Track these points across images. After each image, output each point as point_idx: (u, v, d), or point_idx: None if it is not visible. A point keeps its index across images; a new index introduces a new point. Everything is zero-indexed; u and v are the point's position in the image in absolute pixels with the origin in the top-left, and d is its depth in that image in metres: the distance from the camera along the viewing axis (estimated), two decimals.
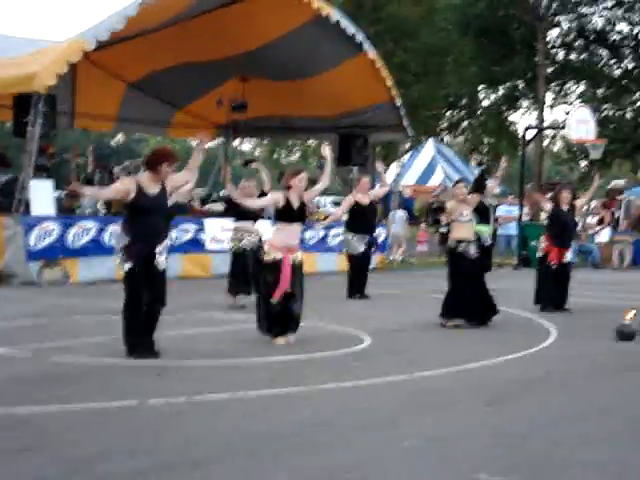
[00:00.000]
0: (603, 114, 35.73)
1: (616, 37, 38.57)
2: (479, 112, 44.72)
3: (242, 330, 9.58)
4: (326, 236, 18.44)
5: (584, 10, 38.18)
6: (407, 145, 34.18)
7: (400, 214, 23.30)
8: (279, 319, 8.87)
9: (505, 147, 42.54)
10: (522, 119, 76.52)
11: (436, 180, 33.46)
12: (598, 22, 38.48)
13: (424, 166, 34.22)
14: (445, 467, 4.92)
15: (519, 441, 5.45)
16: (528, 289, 12.72)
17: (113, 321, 10.14)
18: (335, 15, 17.45)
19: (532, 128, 29.08)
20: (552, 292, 12.37)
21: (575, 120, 23.83)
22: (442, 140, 43.51)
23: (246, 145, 57.07)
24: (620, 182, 37.95)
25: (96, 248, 14.99)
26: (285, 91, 19.58)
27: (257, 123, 21.60)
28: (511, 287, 14.94)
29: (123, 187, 7.85)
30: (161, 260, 7.79)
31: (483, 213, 14.07)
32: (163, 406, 6.07)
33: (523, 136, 26.70)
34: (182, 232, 16.28)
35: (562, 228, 12.45)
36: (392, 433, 5.56)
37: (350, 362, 7.98)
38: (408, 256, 22.80)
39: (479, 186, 10.93)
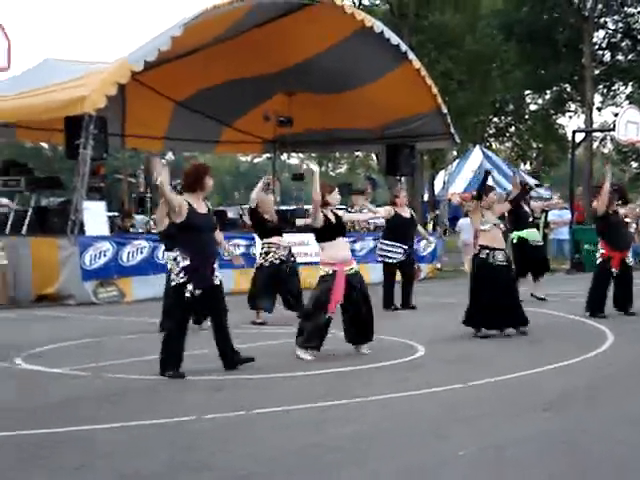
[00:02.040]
0: None
1: None
2: (526, 117, 44.42)
3: (291, 344, 9.62)
4: (376, 247, 18.43)
5: (630, 10, 37.75)
6: (454, 152, 34.04)
7: (469, 222, 23.49)
8: (324, 333, 8.84)
9: (553, 151, 42.22)
10: (570, 122, 75.76)
11: None
12: None
13: (472, 173, 34.04)
14: (502, 475, 4.91)
15: (576, 447, 5.41)
16: (582, 294, 12.57)
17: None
18: (379, 26, 17.49)
19: (581, 131, 28.87)
20: (615, 294, 12.06)
21: (624, 121, 23.56)
22: (489, 146, 43.29)
23: (294, 159, 57.39)
24: None
25: (150, 266, 15.17)
26: (331, 104, 19.65)
27: (304, 136, 21.69)
28: (565, 292, 14.79)
29: (181, 202, 7.80)
30: (219, 275, 7.92)
31: (522, 218, 13.98)
32: (221, 420, 6.13)
33: (572, 139, 26.49)
34: (233, 247, 16.38)
35: (616, 231, 12.12)
36: (447, 442, 5.56)
37: (404, 372, 7.98)
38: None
39: (480, 193, 10.46)
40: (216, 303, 7.95)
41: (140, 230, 17.67)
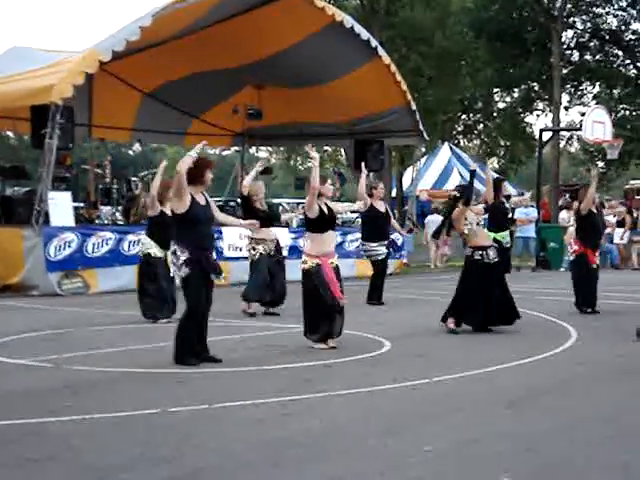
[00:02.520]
0: (619, 114, 35.58)
1: (631, 37, 38.42)
2: (494, 115, 44.65)
3: (259, 337, 9.61)
4: (343, 242, 18.48)
5: (598, 10, 38.05)
6: (423, 149, 34.16)
7: (437, 218, 23.86)
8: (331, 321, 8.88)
9: (521, 149, 42.50)
10: (538, 121, 76.26)
11: (452, 184, 33.41)
12: (613, 22, 38.37)
13: (440, 170, 34.24)
14: (467, 471, 4.92)
15: (540, 444, 5.43)
16: (547, 291, 12.68)
17: (132, 330, 10.25)
18: (349, 21, 17.48)
19: (548, 130, 29.05)
20: (587, 293, 12.37)
21: (591, 121, 23.79)
22: (458, 144, 43.49)
23: (262, 153, 57.22)
24: (637, 182, 37.82)
25: (115, 258, 15.07)
26: (300, 98, 19.63)
27: (273, 130, 21.67)
28: (530, 289, 14.89)
29: (187, 192, 7.89)
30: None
31: (501, 218, 14.01)
32: (184, 414, 6.09)
33: (539, 138, 26.68)
34: None
35: (594, 230, 12.44)
36: (412, 438, 5.56)
37: (369, 367, 7.98)
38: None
39: (469, 197, 10.48)
40: (206, 293, 8.08)
41: (106, 221, 17.55)
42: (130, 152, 59.73)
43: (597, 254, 12.59)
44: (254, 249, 11.77)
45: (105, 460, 5.03)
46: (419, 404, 6.53)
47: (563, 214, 23.93)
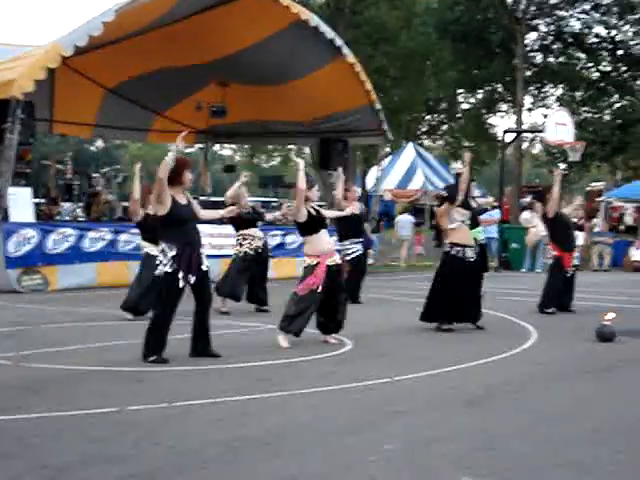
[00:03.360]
0: (582, 117, 35.94)
1: (593, 40, 38.82)
2: (458, 116, 44.92)
3: (221, 336, 9.55)
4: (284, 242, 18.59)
5: (561, 13, 38.39)
6: (387, 149, 34.25)
7: (407, 218, 24.25)
8: (305, 322, 9.03)
9: (485, 150, 42.78)
10: (501, 122, 76.87)
11: (416, 184, 33.56)
12: (575, 25, 38.75)
13: (404, 170, 34.32)
14: (427, 470, 4.92)
15: (500, 443, 5.46)
16: (508, 292, 12.77)
17: (92, 328, 10.16)
18: (314, 20, 17.47)
19: (511, 131, 29.29)
20: (561, 295, 12.55)
21: (554, 123, 24.01)
22: (422, 144, 43.66)
23: (226, 150, 57.02)
24: (599, 184, 38.24)
25: (76, 255, 14.93)
26: (265, 96, 19.59)
27: (237, 128, 21.61)
28: (491, 289, 14.96)
29: (167, 195, 7.91)
30: (206, 262, 8.16)
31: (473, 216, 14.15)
32: (143, 412, 6.04)
33: (502, 139, 26.88)
34: None
35: (566, 232, 12.60)
36: (373, 437, 5.55)
37: (331, 366, 7.97)
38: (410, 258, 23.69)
39: (453, 195, 10.68)
40: (203, 289, 8.13)
41: (67, 218, 17.38)
42: (92, 148, 59.31)
43: (574, 255, 12.76)
44: (241, 245, 11.88)
45: (62, 458, 4.97)
46: (380, 403, 6.53)
47: (525, 215, 24.13)
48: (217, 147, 33.05)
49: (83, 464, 4.88)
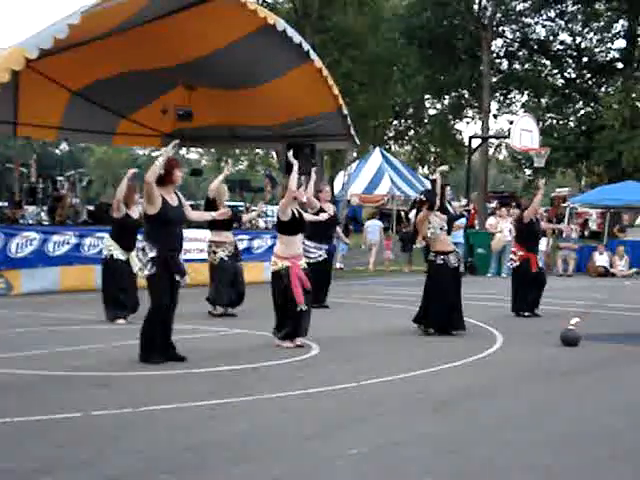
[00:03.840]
0: (546, 123, 36.25)
1: (558, 47, 39.20)
2: (425, 121, 45.14)
3: (187, 341, 9.50)
4: (274, 245, 18.47)
5: (527, 20, 38.73)
6: (354, 154, 34.33)
7: (376, 223, 24.41)
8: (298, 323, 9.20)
9: (451, 156, 43.03)
10: (468, 128, 77.38)
11: (383, 189, 33.69)
12: (541, 32, 39.11)
13: (371, 175, 34.43)
14: (391, 474, 4.92)
15: (464, 447, 5.47)
16: (474, 296, 12.82)
17: (55, 333, 10.04)
18: (281, 24, 17.44)
19: (477, 137, 29.42)
20: (529, 297, 12.83)
21: (519, 129, 24.18)
22: (389, 149, 43.81)
23: (193, 154, 56.78)
24: (564, 190, 38.58)
25: (39, 259, 14.77)
26: (232, 100, 19.53)
27: (203, 132, 21.50)
28: None
29: (158, 195, 7.97)
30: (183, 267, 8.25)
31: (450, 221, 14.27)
32: (108, 417, 5.98)
33: (469, 145, 27.00)
34: None
35: (532, 236, 13.01)
36: (338, 441, 5.55)
37: (297, 371, 7.95)
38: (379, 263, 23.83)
39: (432, 201, 10.82)
40: (176, 294, 8.20)
41: (30, 221, 17.18)
42: (57, 151, 58.76)
43: (538, 258, 13.20)
44: (215, 253, 11.93)
45: (24, 465, 4.91)
46: (346, 407, 6.52)
47: (491, 220, 24.27)
48: (183, 151, 32.83)
49: (47, 470, 4.82)
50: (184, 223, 8.49)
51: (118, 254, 11.17)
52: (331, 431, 5.81)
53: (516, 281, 12.97)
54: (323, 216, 11.49)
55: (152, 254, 7.93)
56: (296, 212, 9.45)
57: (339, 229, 14.60)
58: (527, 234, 12.98)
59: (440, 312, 10.58)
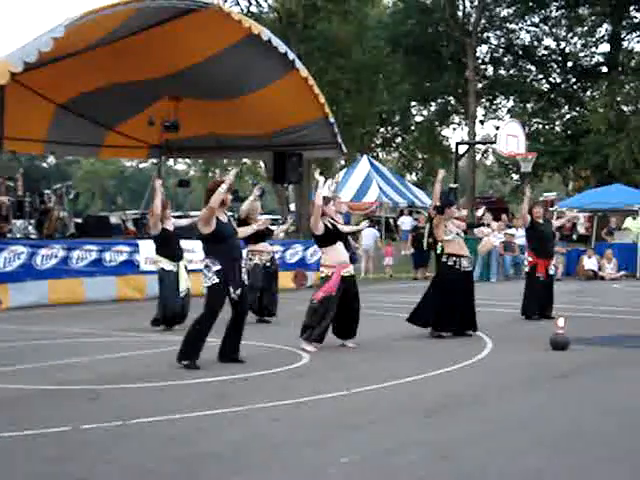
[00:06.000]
0: (532, 128, 36.37)
1: (543, 52, 39.36)
2: (412, 128, 45.22)
3: (176, 352, 9.47)
4: (284, 254, 18.64)
5: (512, 26, 38.89)
6: (342, 162, 34.34)
7: (371, 230, 24.48)
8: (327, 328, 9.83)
9: (439, 162, 43.09)
10: (454, 134, 77.59)
11: (372, 196, 33.66)
12: (525, 38, 39.27)
13: (359, 183, 34.41)
14: None
15: (457, 452, 5.46)
16: None
17: (44, 347, 9.99)
18: (266, 33, 17.46)
19: (464, 143, 29.47)
20: (540, 302, 13.04)
21: (505, 134, 24.23)
22: (376, 156, 43.86)
23: (180, 165, 56.72)
24: (551, 194, 38.68)
25: (27, 273, 14.70)
26: (218, 110, 19.53)
27: (191, 142, 21.50)
28: None
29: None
30: (245, 275, 8.74)
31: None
32: (97, 431, 5.95)
33: (455, 151, 27.04)
34: (116, 254, 16.07)
35: (540, 241, 13.19)
36: (330, 450, 5.53)
37: (288, 380, 7.94)
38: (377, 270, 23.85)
39: (443, 207, 11.22)
40: (242, 300, 8.64)
41: (18, 235, 17.11)
42: (44, 165, 58.67)
43: (552, 263, 13.38)
44: (250, 260, 12.22)
45: (15, 479, 4.87)
46: (338, 415, 6.51)
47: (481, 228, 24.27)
48: (171, 162, 32.87)
49: None
50: (237, 236, 8.95)
51: (166, 265, 11.63)
52: (323, 439, 5.79)
53: (526, 286, 13.30)
54: (363, 224, 12.00)
55: (216, 267, 8.38)
56: (329, 224, 9.90)
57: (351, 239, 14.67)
58: (534, 238, 13.25)
59: (451, 314, 10.83)
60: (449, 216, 11.15)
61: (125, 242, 16.82)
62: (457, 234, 11.10)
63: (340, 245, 9.98)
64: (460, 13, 37.28)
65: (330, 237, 9.89)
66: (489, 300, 14.94)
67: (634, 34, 37.02)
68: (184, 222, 12.40)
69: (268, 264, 12.54)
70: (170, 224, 11.71)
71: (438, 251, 11.68)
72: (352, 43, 32.91)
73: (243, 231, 9.70)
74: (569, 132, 36.31)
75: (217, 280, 8.37)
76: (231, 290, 8.43)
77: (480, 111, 40.02)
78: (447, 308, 10.85)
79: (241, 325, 8.74)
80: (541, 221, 13.29)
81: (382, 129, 45.97)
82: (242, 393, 7.30)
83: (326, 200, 10.02)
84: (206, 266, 8.48)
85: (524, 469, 5.13)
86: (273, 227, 13.45)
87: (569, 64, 38.67)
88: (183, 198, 45.88)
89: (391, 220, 35.20)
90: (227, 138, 21.13)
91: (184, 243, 12.22)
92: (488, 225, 13.77)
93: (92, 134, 21.11)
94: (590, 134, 32.98)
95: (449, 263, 10.99)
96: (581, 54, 38.60)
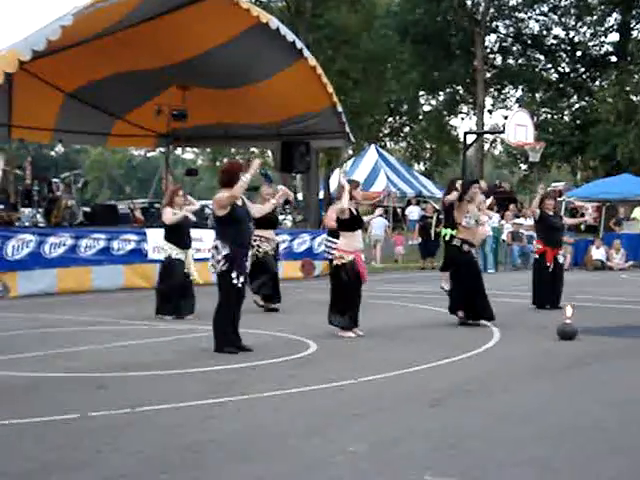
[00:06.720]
0: (541, 117, 36.27)
1: (552, 41, 39.21)
2: (420, 117, 45.11)
3: (184, 340, 9.51)
4: (291, 243, 18.66)
5: (520, 15, 38.75)
6: (349, 151, 34.30)
7: (381, 220, 24.53)
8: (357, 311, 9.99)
9: (446, 152, 43.02)
10: (462, 124, 77.30)
11: (380, 186, 33.66)
12: (534, 27, 39.14)
13: (367, 172, 34.39)
14: (390, 470, 4.92)
15: (463, 442, 5.47)
16: None
17: (51, 335, 10.03)
18: (274, 22, 17.43)
19: (472, 133, 29.42)
20: (548, 291, 13.12)
21: (514, 124, 24.16)
22: (384, 146, 43.79)
23: (188, 154, 56.72)
24: (559, 184, 38.59)
25: (36, 261, 14.74)
26: (226, 99, 19.51)
27: (198, 131, 21.49)
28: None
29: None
30: (248, 263, 8.88)
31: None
32: (105, 419, 5.97)
33: (464, 141, 26.99)
34: (124, 242, 16.10)
35: (549, 231, 13.24)
36: (337, 438, 5.54)
37: (295, 369, 7.95)
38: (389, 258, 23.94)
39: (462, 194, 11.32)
40: (242, 288, 8.71)
41: (26, 223, 17.15)
42: (52, 153, 58.72)
43: (560, 252, 13.46)
44: (259, 247, 12.23)
45: (22, 465, 4.90)
46: (345, 404, 6.52)
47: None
48: (179, 151, 32.91)
49: (44, 471, 4.81)
50: (251, 221, 9.05)
51: (176, 253, 11.66)
52: (329, 428, 5.80)
53: (535, 275, 13.35)
54: (378, 211, 12.10)
55: (225, 252, 8.46)
56: (354, 210, 9.99)
57: None
58: (544, 228, 13.33)
59: (463, 296, 10.97)
60: (471, 196, 11.12)
61: (133, 231, 16.84)
62: (476, 221, 11.13)
63: (359, 232, 10.13)
64: (469, 2, 37.21)
65: (354, 223, 10.01)
66: (490, 290, 14.90)
67: None
68: (195, 207, 12.49)
69: (272, 252, 12.59)
70: (184, 211, 11.77)
71: (447, 237, 11.72)
72: (360, 32, 32.84)
73: (261, 209, 9.92)
74: (578, 122, 36.20)
75: (224, 268, 8.46)
76: (234, 276, 8.50)
77: (488, 100, 39.94)
78: (468, 294, 10.94)
79: (237, 313, 8.76)
80: (551, 213, 13.38)
81: (390, 118, 45.85)
82: (249, 381, 7.32)
83: (355, 184, 10.25)
84: (215, 247, 8.58)
85: (530, 458, 5.13)
86: (281, 216, 13.51)
87: (578, 53, 38.54)
88: (191, 187, 45.90)
89: (399, 210, 35.19)
90: (235, 127, 21.13)
91: (193, 232, 12.23)
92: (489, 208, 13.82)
93: (100, 123, 21.13)
94: (599, 124, 32.88)
95: (463, 248, 11.05)
96: (590, 43, 38.47)
